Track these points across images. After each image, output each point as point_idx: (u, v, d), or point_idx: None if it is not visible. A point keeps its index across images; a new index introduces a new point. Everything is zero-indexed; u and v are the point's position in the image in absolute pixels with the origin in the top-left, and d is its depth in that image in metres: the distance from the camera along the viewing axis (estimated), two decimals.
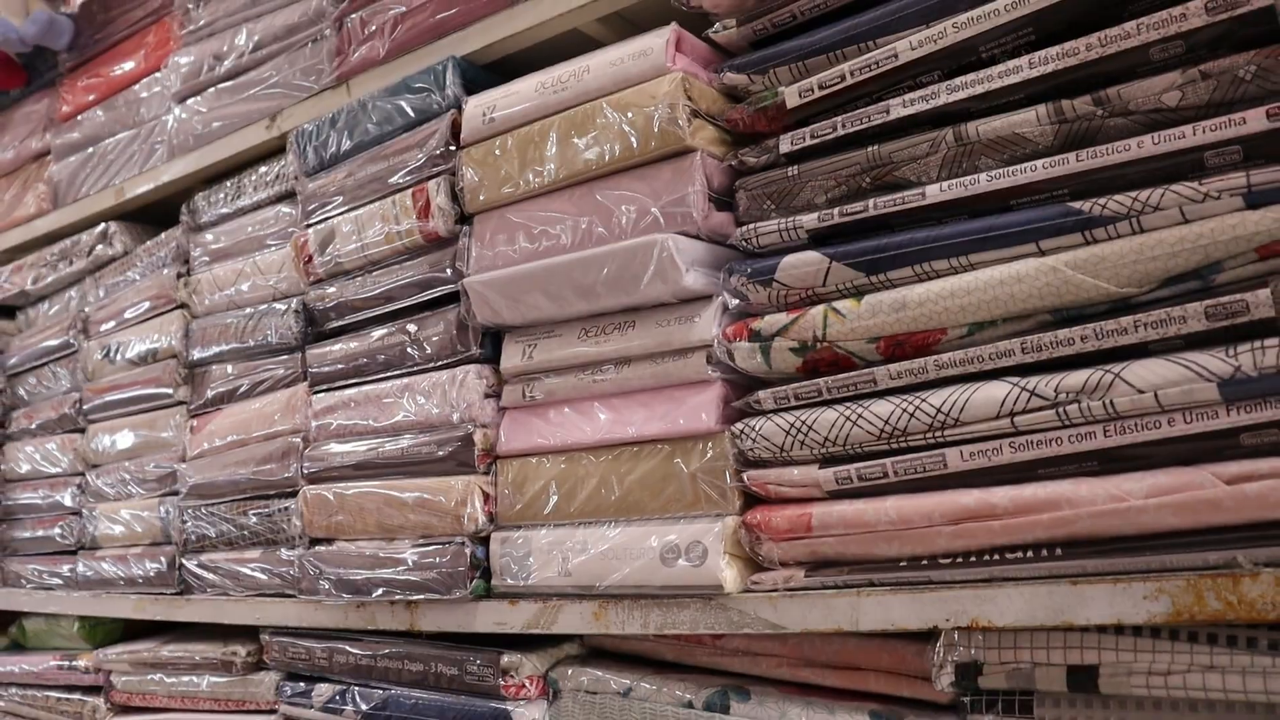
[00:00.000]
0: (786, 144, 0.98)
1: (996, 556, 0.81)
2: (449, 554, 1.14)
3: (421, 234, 1.21)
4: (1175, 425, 0.75)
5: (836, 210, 0.93)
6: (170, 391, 1.59)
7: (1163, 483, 0.75)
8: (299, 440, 1.36)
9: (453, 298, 1.19)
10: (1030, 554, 0.80)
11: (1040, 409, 0.79)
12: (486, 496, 1.13)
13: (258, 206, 1.53)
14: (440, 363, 1.20)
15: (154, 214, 1.79)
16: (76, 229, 1.87)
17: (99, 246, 1.79)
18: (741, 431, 0.95)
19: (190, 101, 1.66)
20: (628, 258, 1.00)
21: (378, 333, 1.28)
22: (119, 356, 1.70)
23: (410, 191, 1.23)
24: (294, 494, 1.34)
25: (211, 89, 1.62)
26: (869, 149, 0.92)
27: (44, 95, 2.03)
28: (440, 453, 1.17)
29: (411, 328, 1.23)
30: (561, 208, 1.09)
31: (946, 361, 0.85)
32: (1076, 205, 0.80)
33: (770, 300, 0.96)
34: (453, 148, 1.21)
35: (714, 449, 0.97)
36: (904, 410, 0.86)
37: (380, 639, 1.26)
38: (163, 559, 1.54)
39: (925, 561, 0.85)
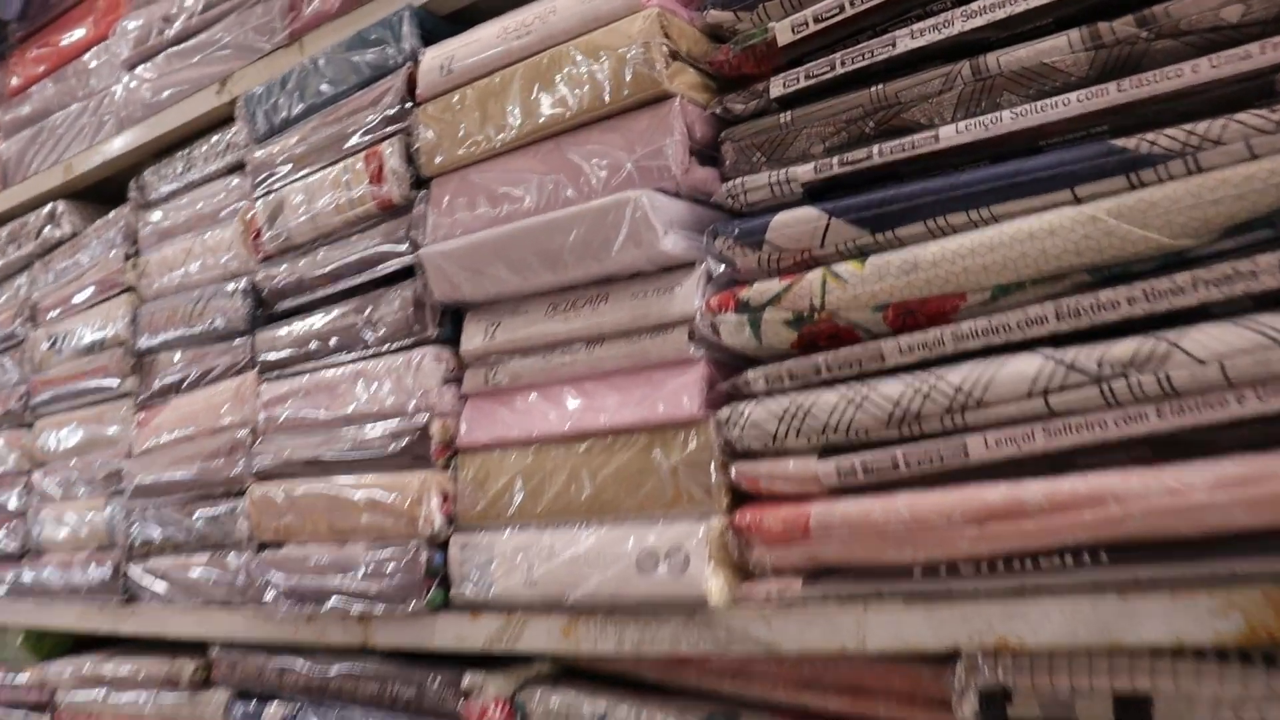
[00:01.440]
0: (778, 87, 0.85)
1: (1029, 563, 0.68)
2: (404, 560, 1.01)
3: (374, 201, 1.09)
4: (1246, 403, 0.62)
5: (835, 159, 0.79)
6: (117, 383, 1.47)
7: (1231, 473, 0.62)
8: (247, 434, 1.23)
9: (410, 272, 1.07)
10: (1070, 560, 0.67)
11: (1080, 386, 0.66)
12: (445, 495, 1.01)
13: (208, 179, 1.40)
14: (395, 345, 1.08)
15: (106, 192, 1.66)
16: (25, 209, 1.74)
17: (47, 228, 1.67)
18: (728, 418, 0.82)
19: (139, 69, 1.53)
20: (597, 219, 0.87)
21: (329, 314, 1.15)
22: (66, 346, 1.57)
23: (363, 155, 1.11)
24: (242, 493, 1.22)
25: (161, 55, 1.50)
26: (872, 89, 0.79)
27: None
28: (394, 446, 1.04)
29: (365, 307, 1.11)
30: (526, 166, 0.96)
31: (967, 331, 0.72)
32: (1119, 143, 0.67)
33: (760, 265, 0.83)
34: (409, 105, 1.08)
35: (697, 439, 0.84)
36: (917, 390, 0.73)
37: (334, 655, 1.14)
38: (108, 564, 1.42)
39: (944, 569, 0.72)
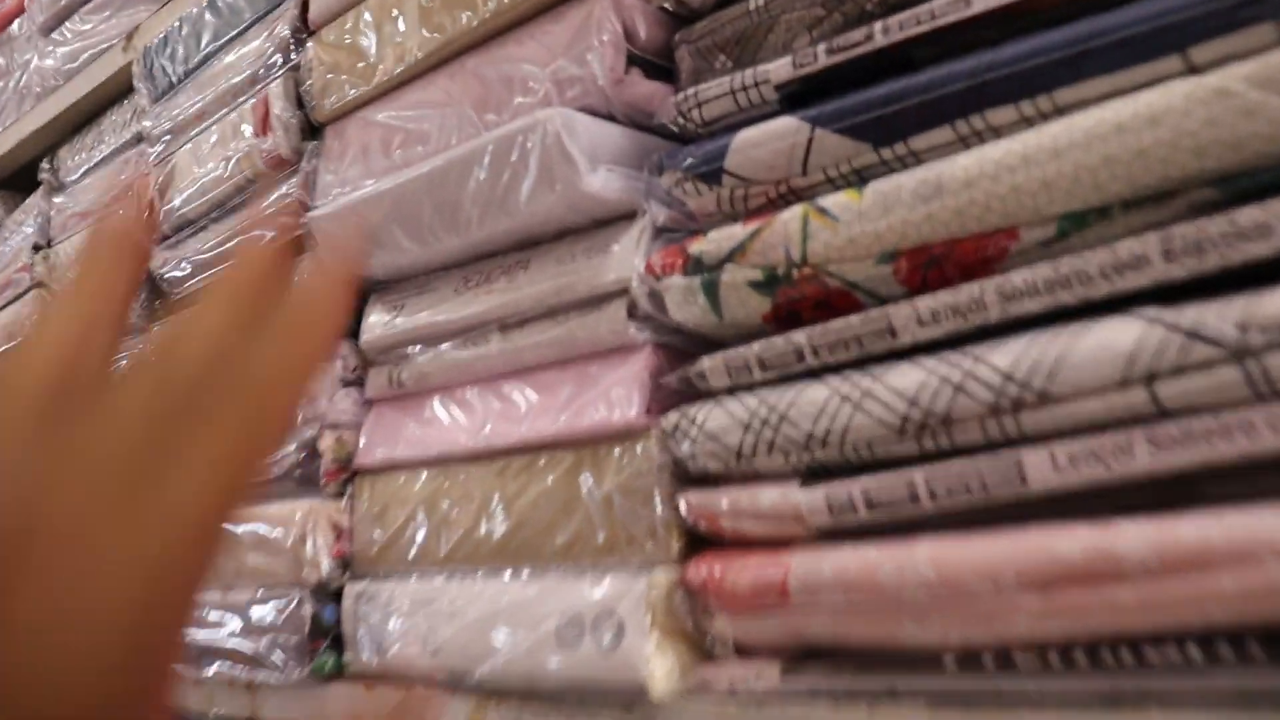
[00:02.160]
0: None
1: (1128, 655, 0.42)
2: (286, 614, 0.78)
3: (262, 158, 0.86)
4: None
5: (822, 48, 0.55)
6: None
7: None
8: None
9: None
10: (1196, 652, 0.41)
11: (1208, 365, 0.40)
12: (339, 531, 0.77)
13: (116, 153, 1.19)
14: None
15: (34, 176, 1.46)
16: None
17: None
18: (676, 426, 0.57)
19: (54, 34, 1.33)
20: (500, 155, 0.63)
21: None
22: None
23: (251, 103, 0.88)
24: None
25: (76, 14, 1.29)
26: None
27: None
28: (280, 467, 0.81)
29: None
30: (431, 98, 0.73)
31: (1020, 287, 0.47)
32: None
33: (720, 206, 0.58)
34: (304, 36, 0.85)
35: (639, 457, 0.60)
36: (945, 379, 0.47)
37: None
38: None
39: (991, 658, 0.46)
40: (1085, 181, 0.45)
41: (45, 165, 1.30)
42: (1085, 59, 0.45)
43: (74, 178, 1.26)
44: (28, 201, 1.35)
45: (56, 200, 1.27)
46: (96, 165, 1.22)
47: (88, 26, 1.26)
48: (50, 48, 1.32)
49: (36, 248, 1.28)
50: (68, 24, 1.30)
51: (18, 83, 1.42)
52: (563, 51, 0.63)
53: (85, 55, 1.26)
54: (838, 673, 0.50)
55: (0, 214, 1.44)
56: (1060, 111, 0.47)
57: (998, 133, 0.48)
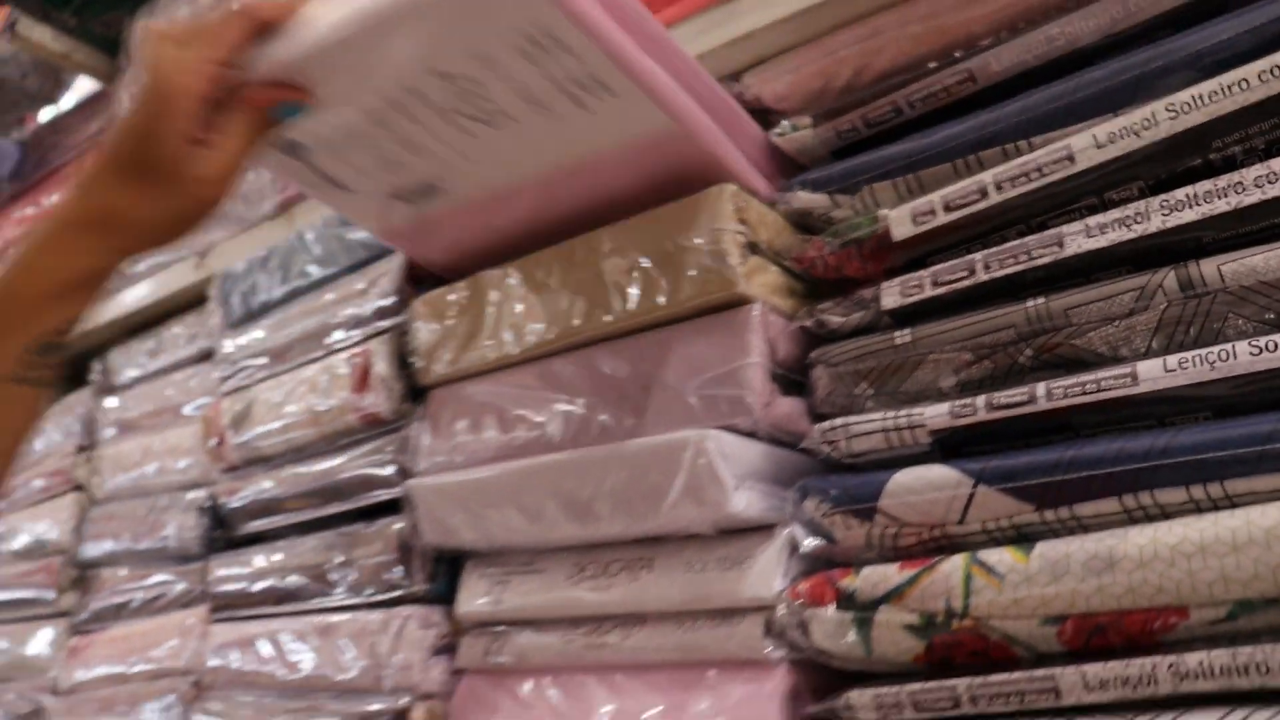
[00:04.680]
0: (893, 296, 0.64)
1: None
2: None
3: (356, 414, 0.87)
4: None
5: (982, 401, 0.57)
6: (52, 596, 1.23)
7: None
8: (190, 685, 0.99)
9: (397, 506, 0.84)
10: None
11: None
12: None
13: (177, 366, 1.20)
14: (374, 597, 0.84)
15: (79, 371, 1.46)
16: None
17: None
18: None
19: None
20: (644, 464, 0.65)
21: (296, 548, 0.92)
22: (4, 544, 1.34)
23: (346, 356, 0.90)
24: None
25: None
26: (1030, 304, 0.58)
27: None
28: None
29: (339, 545, 0.87)
30: (553, 383, 0.74)
31: (1194, 669, 0.48)
32: None
33: (870, 542, 0.60)
34: (407, 295, 0.87)
35: None
36: None
37: None
38: None
39: None
40: (1265, 576, 0.47)
41: (96, 365, 1.30)
42: (1264, 459, 0.48)
43: (124, 381, 1.27)
44: (71, 398, 1.34)
45: (105, 402, 1.27)
46: (153, 374, 1.22)
47: None
48: None
49: (80, 448, 1.27)
50: None
51: None
52: (706, 365, 0.65)
53: (144, 263, 1.28)
54: None
55: None
56: (1231, 500, 0.49)
57: (1164, 511, 0.51)
